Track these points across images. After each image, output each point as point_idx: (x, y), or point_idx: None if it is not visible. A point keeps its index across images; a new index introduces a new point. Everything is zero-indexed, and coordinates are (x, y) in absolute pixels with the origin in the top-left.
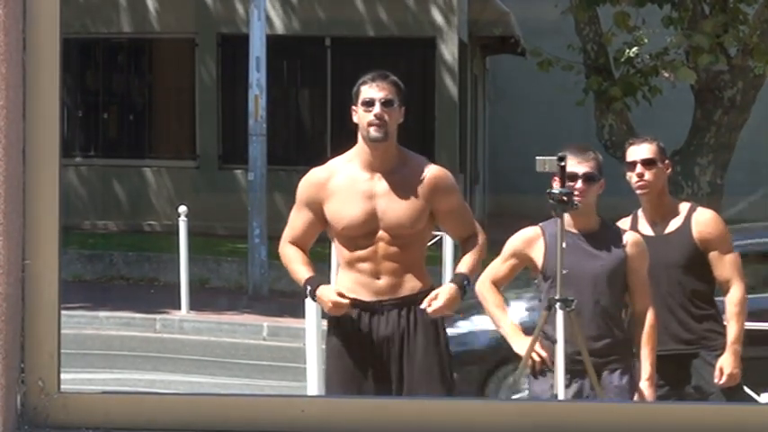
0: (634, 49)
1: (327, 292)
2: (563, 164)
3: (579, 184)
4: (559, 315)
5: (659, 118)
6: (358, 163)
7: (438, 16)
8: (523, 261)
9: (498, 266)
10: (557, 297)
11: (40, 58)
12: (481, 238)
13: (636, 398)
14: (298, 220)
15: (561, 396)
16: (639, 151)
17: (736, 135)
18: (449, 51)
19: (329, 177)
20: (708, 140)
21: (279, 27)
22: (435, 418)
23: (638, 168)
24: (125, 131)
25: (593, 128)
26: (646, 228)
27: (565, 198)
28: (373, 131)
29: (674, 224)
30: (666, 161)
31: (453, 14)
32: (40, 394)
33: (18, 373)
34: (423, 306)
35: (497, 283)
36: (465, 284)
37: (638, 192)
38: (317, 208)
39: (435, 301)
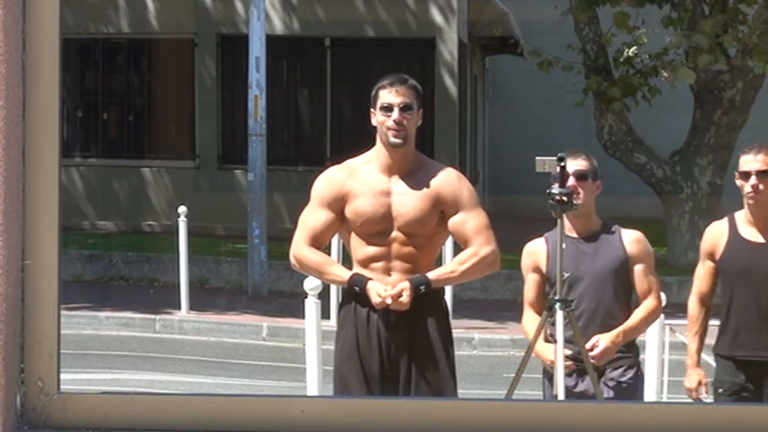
0: (633, 48)
1: (377, 287)
2: (563, 164)
3: (570, 181)
4: (559, 315)
5: (659, 118)
6: (376, 165)
7: (438, 17)
8: (541, 272)
9: (527, 294)
10: (556, 297)
11: (40, 58)
12: (482, 252)
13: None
14: (315, 219)
15: (561, 396)
16: (756, 162)
17: (735, 135)
18: (448, 52)
19: (348, 176)
20: (707, 141)
21: (278, 27)
22: (435, 419)
23: (753, 179)
24: (125, 131)
25: (593, 128)
26: (750, 233)
27: (564, 198)
28: (392, 137)
29: None
30: None
31: (453, 15)
32: (39, 395)
33: (18, 374)
34: (382, 298)
35: (536, 309)
36: (421, 288)
37: (748, 201)
38: (336, 206)
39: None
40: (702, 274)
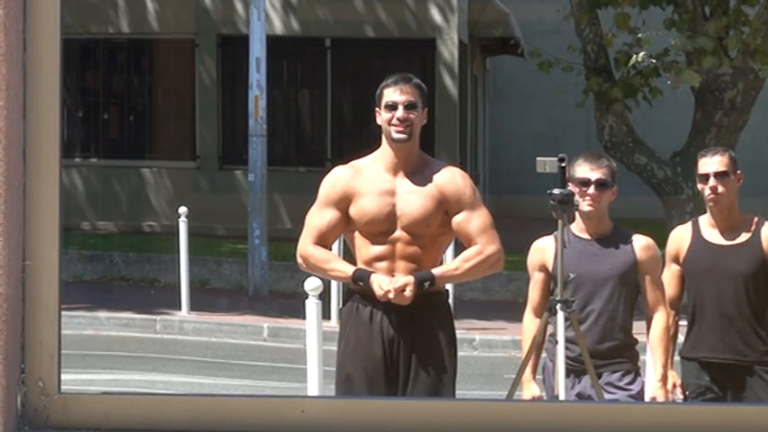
0: (641, 54)
1: (380, 280)
2: (563, 165)
3: (592, 189)
4: (560, 316)
5: (659, 119)
6: (382, 165)
7: (438, 17)
8: (547, 270)
9: (531, 293)
10: (557, 298)
11: (40, 58)
12: (487, 251)
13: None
14: (322, 219)
15: (562, 396)
16: (712, 164)
17: (736, 136)
18: (449, 52)
19: (354, 175)
20: (708, 142)
21: (279, 28)
22: (435, 419)
23: (712, 181)
24: (125, 132)
25: (593, 129)
26: (712, 236)
27: (565, 199)
28: (396, 134)
29: (743, 235)
30: (738, 172)
31: (453, 15)
32: (40, 395)
33: (18, 374)
34: (384, 290)
35: (538, 312)
36: (425, 284)
37: (709, 203)
38: (342, 206)
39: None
40: (668, 278)
